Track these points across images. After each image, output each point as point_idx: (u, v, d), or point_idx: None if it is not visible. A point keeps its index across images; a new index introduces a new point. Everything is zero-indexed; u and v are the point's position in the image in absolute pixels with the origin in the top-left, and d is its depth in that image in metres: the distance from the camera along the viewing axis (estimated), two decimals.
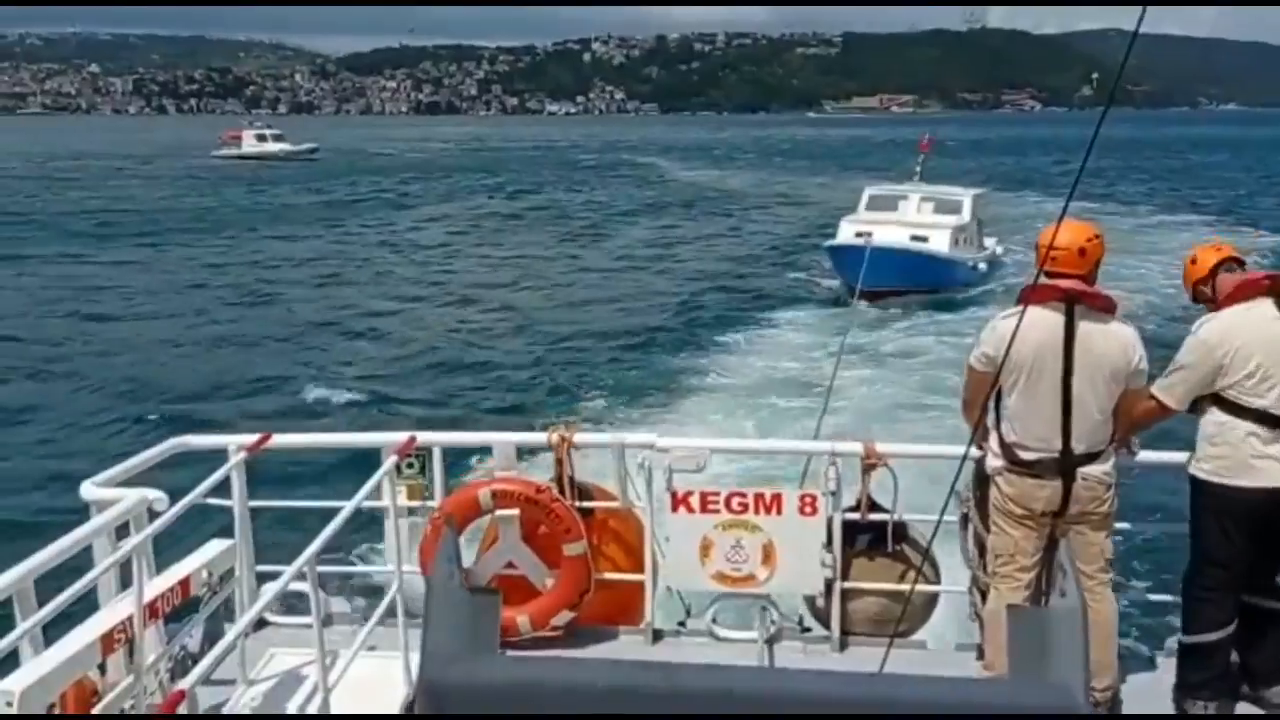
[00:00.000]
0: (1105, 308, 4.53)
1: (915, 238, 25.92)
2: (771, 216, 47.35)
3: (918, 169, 30.07)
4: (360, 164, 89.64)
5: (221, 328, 23.69)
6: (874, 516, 5.32)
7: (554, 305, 26.69)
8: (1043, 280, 4.40)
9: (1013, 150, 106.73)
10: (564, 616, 5.21)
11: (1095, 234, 4.63)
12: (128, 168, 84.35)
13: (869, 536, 5.36)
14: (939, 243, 26.00)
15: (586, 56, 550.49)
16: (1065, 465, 4.52)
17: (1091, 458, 4.54)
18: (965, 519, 5.04)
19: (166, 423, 14.30)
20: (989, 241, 29.55)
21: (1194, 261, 4.87)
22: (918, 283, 24.78)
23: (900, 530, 5.35)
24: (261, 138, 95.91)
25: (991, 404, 4.67)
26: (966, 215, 27.56)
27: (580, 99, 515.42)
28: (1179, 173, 74.26)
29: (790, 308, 25.23)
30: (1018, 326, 4.07)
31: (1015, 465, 4.58)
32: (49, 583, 3.89)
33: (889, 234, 25.49)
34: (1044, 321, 4.45)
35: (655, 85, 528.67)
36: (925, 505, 5.06)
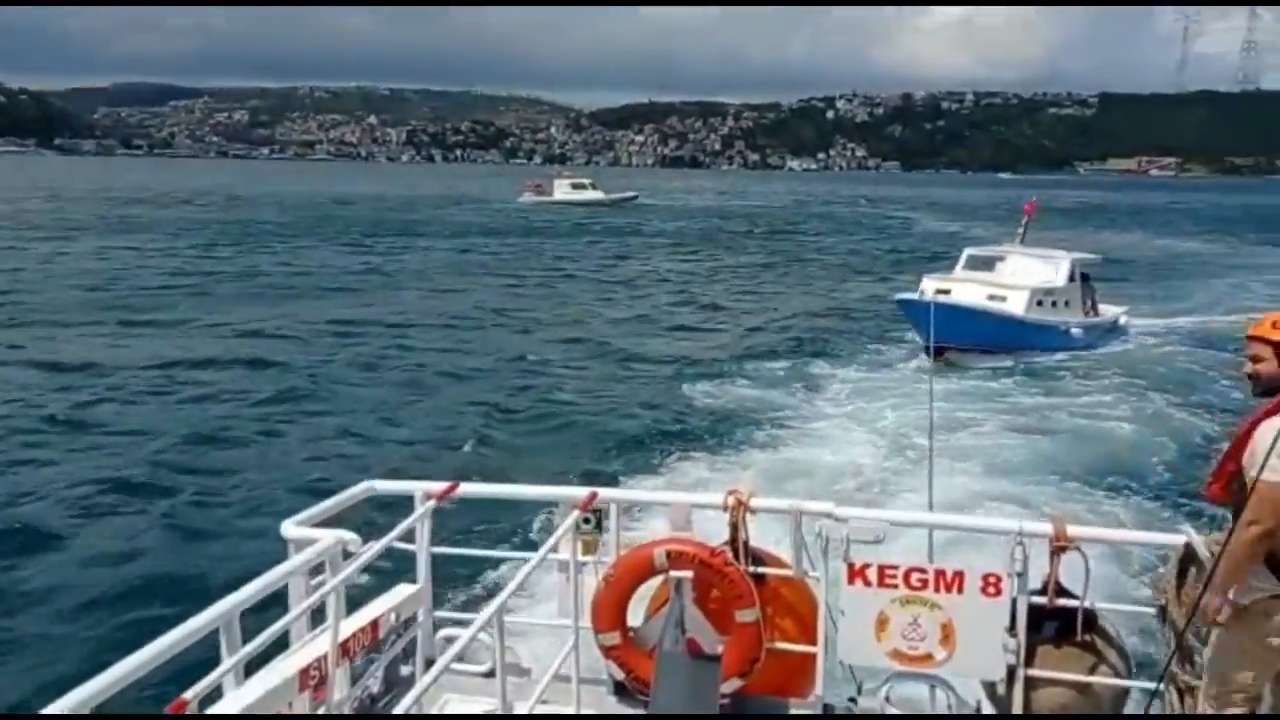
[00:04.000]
0: None
1: (992, 297, 25.49)
2: None
3: (1020, 231, 29.67)
4: (677, 210, 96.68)
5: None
6: (1062, 602, 5.04)
7: None
8: None
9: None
10: (732, 684, 5.14)
11: None
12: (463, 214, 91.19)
13: (1056, 624, 5.07)
14: (1015, 304, 25.38)
15: (830, 114, 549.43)
16: None
17: None
18: (1163, 611, 4.71)
19: (359, 465, 15.06)
20: (1110, 308, 28.85)
21: None
22: (990, 342, 24.31)
23: (1090, 618, 5.05)
24: (578, 186, 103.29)
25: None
26: (1060, 279, 26.76)
27: (821, 155, 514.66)
28: None
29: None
30: None
31: None
32: (245, 617, 4.12)
33: (966, 292, 25.55)
34: None
35: (898, 143, 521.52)
36: (1118, 593, 4.76)
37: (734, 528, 5.29)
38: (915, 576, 5.05)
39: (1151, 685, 4.88)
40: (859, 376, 23.27)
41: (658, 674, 4.51)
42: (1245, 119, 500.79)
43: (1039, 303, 26.04)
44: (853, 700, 5.38)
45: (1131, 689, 5.09)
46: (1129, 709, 5.11)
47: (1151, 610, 4.74)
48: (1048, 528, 5.08)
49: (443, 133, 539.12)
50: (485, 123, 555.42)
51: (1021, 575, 4.98)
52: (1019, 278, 26.73)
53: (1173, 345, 27.88)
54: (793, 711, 5.33)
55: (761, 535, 5.50)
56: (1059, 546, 5.01)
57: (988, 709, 5.22)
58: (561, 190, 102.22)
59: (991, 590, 4.97)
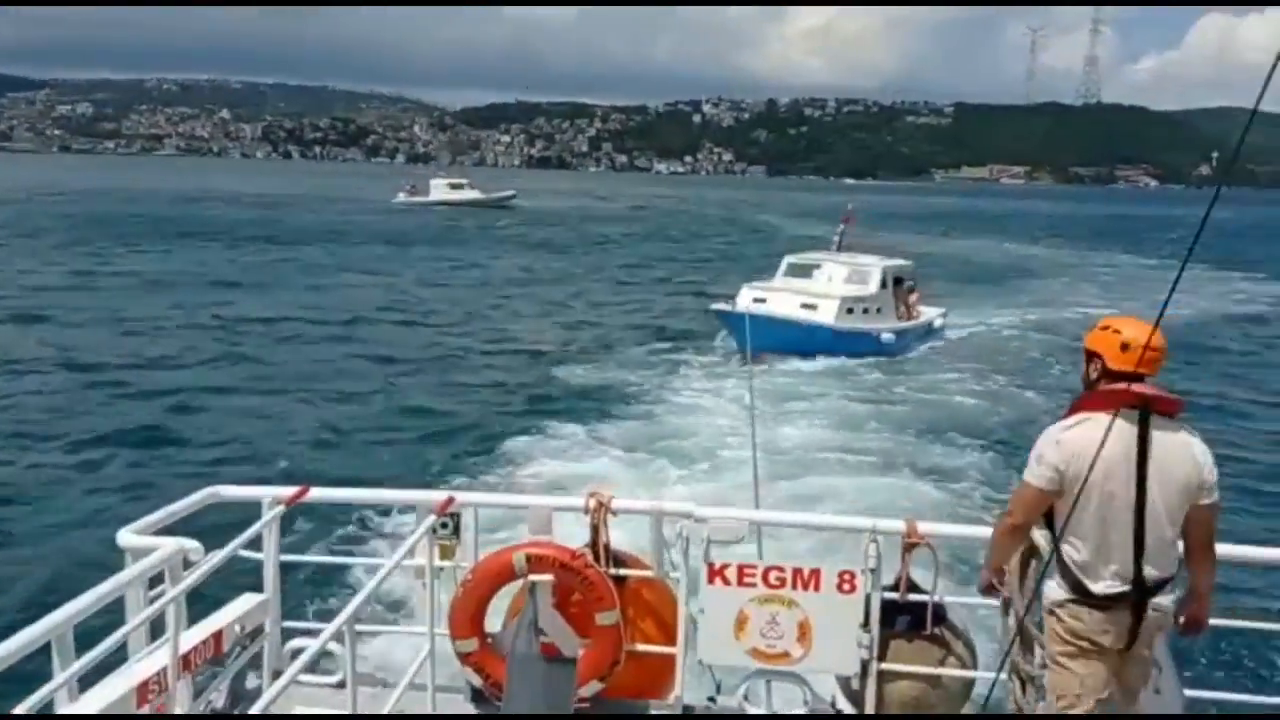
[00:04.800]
0: (1175, 412, 4.11)
1: (805, 305, 26.84)
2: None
3: (837, 239, 31.29)
4: (555, 210, 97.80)
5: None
6: (913, 597, 5.17)
7: None
8: (1109, 383, 4.10)
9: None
10: (592, 687, 5.13)
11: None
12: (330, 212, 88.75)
13: (908, 618, 5.21)
14: (826, 313, 26.72)
15: (697, 118, 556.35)
16: (1138, 597, 4.12)
17: (1161, 586, 4.16)
18: (1007, 604, 4.87)
19: (206, 469, 14.50)
20: (929, 311, 30.44)
21: None
22: (803, 349, 25.54)
23: (940, 612, 5.19)
24: (456, 185, 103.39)
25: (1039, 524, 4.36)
26: (873, 286, 28.22)
27: (688, 159, 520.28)
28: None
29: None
30: (1104, 439, 3.79)
31: (1082, 597, 4.18)
32: (81, 631, 3.91)
33: (780, 301, 26.93)
34: (1117, 432, 3.96)
35: (763, 148, 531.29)
36: (967, 587, 4.91)
37: (595, 530, 5.28)
38: (774, 575, 5.11)
39: (996, 675, 5.06)
40: (701, 375, 24.10)
41: (509, 677, 4.45)
42: (1087, 130, 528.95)
43: (849, 310, 27.27)
44: (712, 699, 5.41)
45: (977, 679, 5.25)
46: (975, 699, 5.28)
47: (996, 603, 4.90)
48: (900, 525, 5.19)
49: (301, 129, 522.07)
50: (346, 120, 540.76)
51: (875, 572, 5.08)
52: (832, 286, 28.15)
53: (991, 342, 30.05)
54: (653, 713, 5.33)
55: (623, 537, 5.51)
56: (910, 543, 5.13)
57: (843, 704, 5.32)
58: (439, 190, 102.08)
59: (846, 587, 5.06)
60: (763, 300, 27.04)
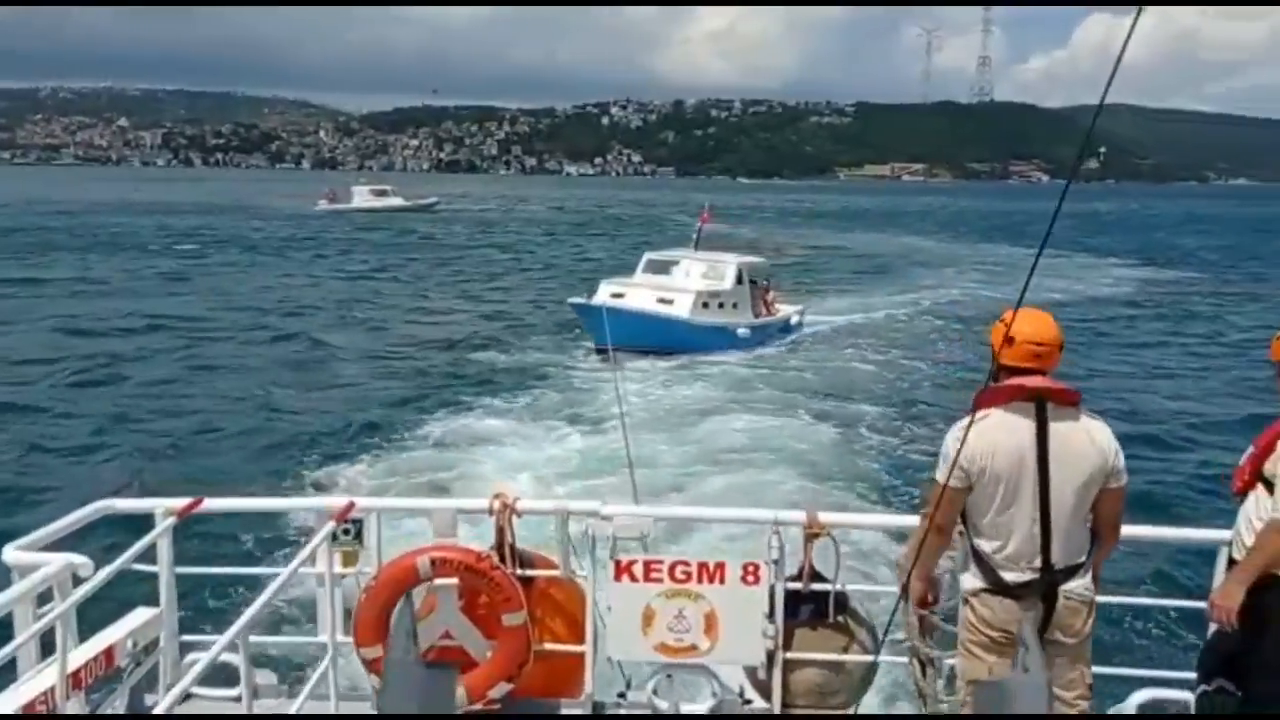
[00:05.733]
0: (1074, 402, 4.24)
1: (661, 300, 27.20)
2: None
3: (695, 237, 32.01)
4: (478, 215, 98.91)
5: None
6: (816, 586, 5.26)
7: None
8: (1007, 380, 4.20)
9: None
10: (501, 689, 5.10)
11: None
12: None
13: (811, 607, 5.29)
14: (681, 307, 27.10)
15: (605, 120, 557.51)
16: (1047, 584, 4.21)
17: (1072, 572, 4.25)
18: (904, 589, 4.97)
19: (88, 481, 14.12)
20: (786, 308, 31.23)
21: None
22: (659, 344, 25.84)
23: (842, 600, 5.29)
24: (380, 192, 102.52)
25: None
26: (728, 282, 28.71)
27: (598, 161, 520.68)
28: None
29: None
30: (1004, 434, 3.91)
31: (996, 587, 4.26)
32: None
33: (637, 296, 27.31)
34: (1015, 426, 4.14)
35: (671, 149, 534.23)
36: (867, 575, 5.01)
37: (500, 531, 5.25)
38: (679, 569, 5.14)
39: (897, 660, 5.19)
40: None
41: (383, 685, 4.38)
42: (982, 128, 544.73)
43: (705, 305, 27.67)
44: (622, 696, 5.43)
45: (880, 664, 5.36)
46: (878, 683, 5.39)
47: (894, 589, 5.01)
48: (801, 516, 5.27)
49: (202, 135, 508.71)
50: (248, 125, 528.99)
51: (778, 563, 5.15)
52: (689, 282, 28.51)
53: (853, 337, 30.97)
54: (564, 712, 5.33)
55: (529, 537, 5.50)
56: (811, 534, 5.21)
57: (750, 694, 5.39)
58: (361, 197, 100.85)
59: (751, 579, 5.12)
60: (621, 295, 27.37)
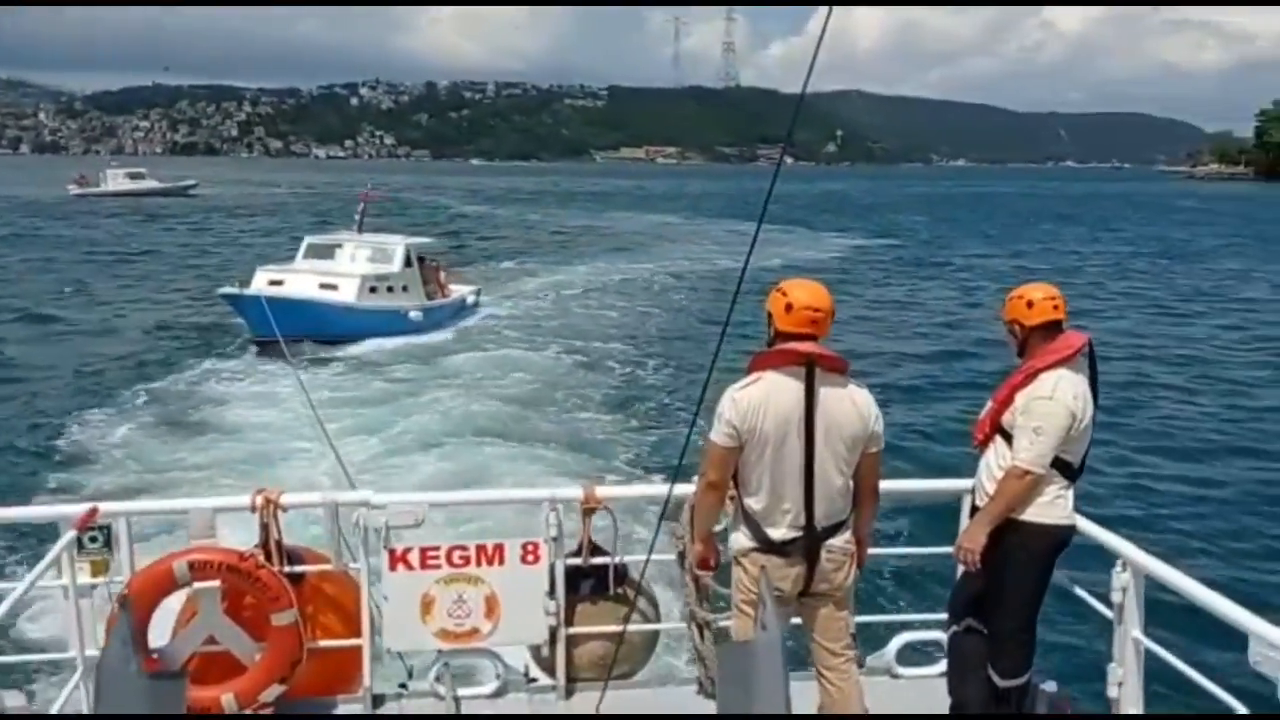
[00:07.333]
0: (841, 369, 4.37)
1: (325, 286, 26.11)
2: None
3: (358, 219, 30.63)
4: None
5: None
6: (596, 560, 5.30)
7: None
8: (781, 344, 4.30)
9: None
10: (274, 691, 4.88)
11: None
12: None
13: (592, 581, 5.33)
14: (347, 292, 26.18)
15: (354, 100, 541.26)
16: (810, 541, 4.32)
17: (833, 530, 4.36)
18: (682, 556, 5.09)
19: None
20: (461, 289, 30.70)
21: (1030, 305, 4.80)
22: (327, 332, 24.70)
23: (621, 572, 5.34)
24: (135, 175, 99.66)
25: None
26: (396, 264, 27.90)
27: (349, 143, 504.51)
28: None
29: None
30: (774, 395, 4.03)
31: (763, 545, 4.36)
32: None
33: (298, 283, 25.83)
34: (786, 388, 4.24)
35: (426, 131, 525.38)
36: (645, 545, 5.06)
37: (265, 528, 4.99)
38: (457, 554, 5.07)
39: (678, 626, 5.31)
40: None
41: (95, 701, 4.07)
42: (730, 112, 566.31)
43: (372, 289, 26.61)
44: (403, 686, 5.32)
45: (661, 632, 5.48)
46: (659, 651, 5.51)
47: (673, 557, 5.12)
48: (577, 492, 5.31)
49: None
50: None
51: (557, 540, 5.17)
52: (354, 265, 27.39)
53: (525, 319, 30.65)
54: (341, 709, 5.16)
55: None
56: (589, 508, 5.25)
57: (535, 672, 5.39)
58: (115, 180, 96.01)
59: (530, 558, 5.11)
60: (280, 282, 25.60)
